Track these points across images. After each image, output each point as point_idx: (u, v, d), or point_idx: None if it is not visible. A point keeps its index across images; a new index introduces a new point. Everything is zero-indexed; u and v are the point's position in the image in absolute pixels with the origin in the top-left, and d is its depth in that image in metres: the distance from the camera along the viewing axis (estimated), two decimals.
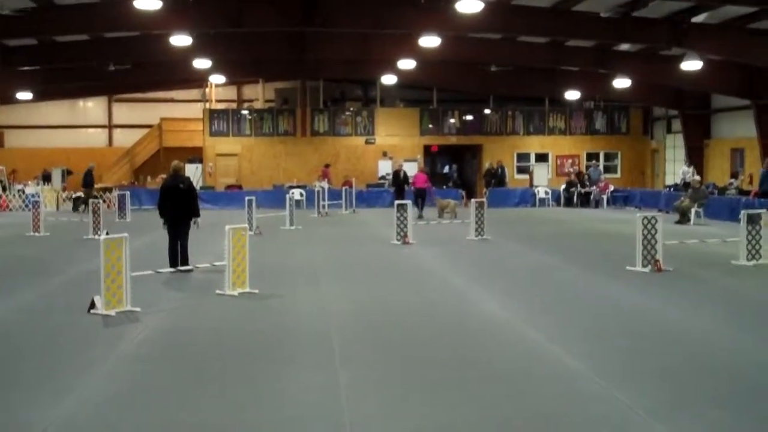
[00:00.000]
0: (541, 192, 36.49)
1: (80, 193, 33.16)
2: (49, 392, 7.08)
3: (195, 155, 39.73)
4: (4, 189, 35.88)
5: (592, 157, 40.84)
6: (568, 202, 35.82)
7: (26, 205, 31.07)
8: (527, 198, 36.50)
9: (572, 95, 37.82)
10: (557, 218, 28.73)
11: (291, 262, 16.36)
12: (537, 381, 7.45)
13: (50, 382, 7.40)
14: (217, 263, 13.06)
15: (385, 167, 39.12)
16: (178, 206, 14.46)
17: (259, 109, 41.36)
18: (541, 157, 41.04)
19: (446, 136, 41.10)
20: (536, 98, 41.17)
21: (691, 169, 32.85)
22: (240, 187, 37.24)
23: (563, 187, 36.58)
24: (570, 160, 40.05)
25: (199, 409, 6.67)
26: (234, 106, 43.66)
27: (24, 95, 38.84)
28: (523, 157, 41.16)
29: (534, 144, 41.25)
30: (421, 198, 28.59)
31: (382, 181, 38.00)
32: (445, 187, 38.31)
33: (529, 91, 39.64)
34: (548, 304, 11.28)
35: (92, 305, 10.52)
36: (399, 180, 30.09)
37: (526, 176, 39.72)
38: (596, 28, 25.99)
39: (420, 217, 26.90)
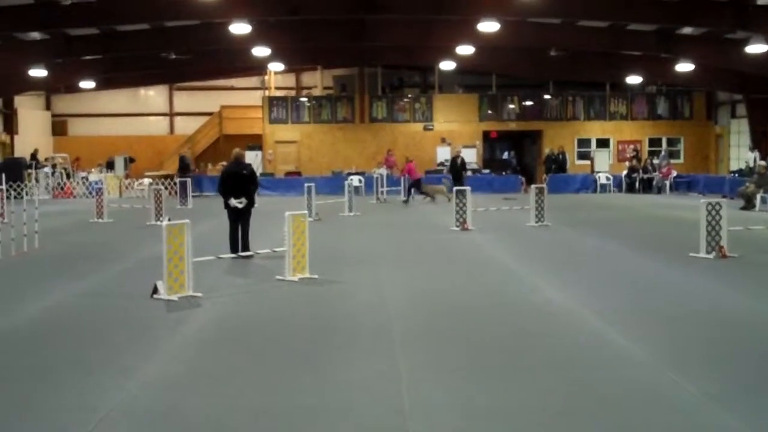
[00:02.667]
0: (602, 178, 36.10)
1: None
2: (113, 375, 7.17)
3: (255, 142, 40.00)
4: (68, 176, 36.54)
5: (654, 142, 40.30)
6: (630, 188, 35.42)
7: (90, 192, 31.59)
8: (588, 184, 36.15)
9: (634, 80, 37.32)
10: (619, 204, 28.39)
11: (350, 247, 16.38)
12: (597, 367, 7.35)
13: (114, 366, 7.50)
14: (277, 249, 13.12)
15: (443, 153, 38.99)
16: (240, 192, 14.52)
17: (318, 96, 41.50)
18: (603, 143, 40.57)
19: (505, 121, 40.82)
20: (597, 83, 40.70)
21: (755, 154, 32.25)
22: (299, 173, 37.43)
23: (625, 172, 36.16)
24: (631, 146, 39.48)
25: (259, 393, 6.70)
26: (293, 93, 43.85)
27: (87, 84, 39.49)
28: (584, 142, 40.72)
29: (595, 129, 40.77)
30: (415, 187, 29.94)
31: (440, 168, 37.89)
32: (504, 173, 38.07)
33: (589, 75, 39.19)
34: (609, 291, 11.13)
35: (155, 290, 10.64)
36: (457, 167, 30.02)
37: (587, 162, 39.33)
38: (658, 11, 25.61)
39: (406, 202, 29.37)
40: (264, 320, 9.59)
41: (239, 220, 14.54)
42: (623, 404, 6.34)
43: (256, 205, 14.99)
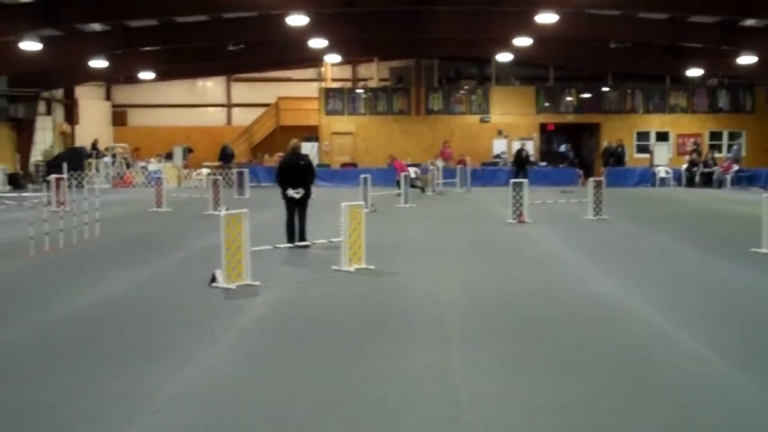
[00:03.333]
0: (661, 171, 35.64)
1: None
2: (172, 362, 7.28)
3: (311, 134, 40.16)
4: (127, 166, 37.08)
5: (715, 136, 39.68)
6: (690, 182, 34.91)
7: (149, 182, 32.01)
8: (647, 178, 35.72)
9: (694, 72, 36.73)
10: (678, 198, 28.03)
11: (406, 239, 16.39)
12: (656, 365, 7.24)
13: (173, 352, 7.60)
14: (333, 239, 13.18)
15: (500, 146, 38.81)
16: (297, 182, 14.58)
17: (374, 87, 41.52)
18: (662, 136, 40.01)
19: (563, 114, 40.45)
20: (656, 76, 40.13)
21: None
22: (355, 165, 37.51)
23: (685, 166, 35.65)
24: (692, 139, 38.89)
25: (317, 382, 6.73)
26: (349, 85, 43.95)
27: (146, 75, 39.99)
28: (642, 135, 40.17)
29: (654, 122, 40.22)
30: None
31: (496, 160, 37.72)
32: (561, 166, 37.76)
33: (649, 68, 38.68)
34: (668, 286, 10.98)
35: (213, 279, 10.76)
36: (521, 159, 29.96)
37: (646, 155, 38.83)
38: (720, 3, 25.16)
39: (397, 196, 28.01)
40: (321, 310, 9.63)
41: (296, 210, 14.63)
42: (683, 401, 6.26)
43: (312, 196, 15.05)
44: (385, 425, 5.76)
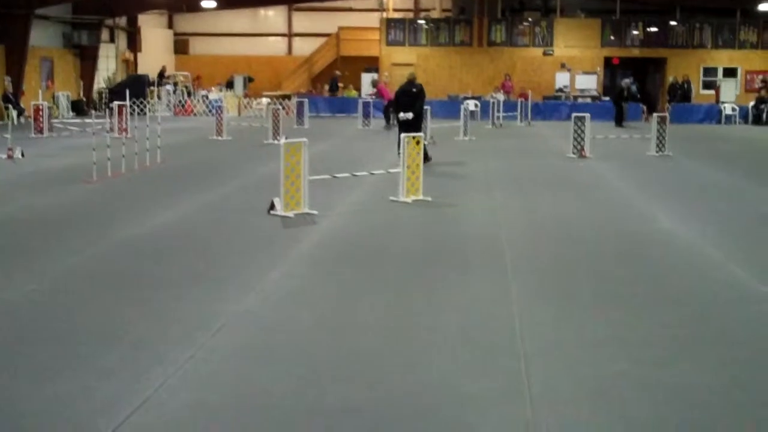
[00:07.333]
0: (727, 108, 34.78)
1: None
2: (232, 287, 7.36)
3: (371, 65, 39.90)
4: (189, 94, 37.26)
5: None
6: (757, 120, 34.04)
7: (210, 111, 32.16)
8: (713, 114, 34.87)
9: (767, 7, 35.56)
10: (745, 136, 27.41)
11: (464, 172, 16.31)
12: (720, 303, 7.13)
13: (234, 278, 7.69)
14: (392, 170, 13.15)
15: (562, 79, 38.19)
16: (408, 107, 16.31)
17: (436, 18, 40.98)
18: (730, 72, 38.97)
19: (629, 48, 39.55)
20: (727, 10, 38.92)
21: None
22: None
23: (752, 103, 34.76)
24: (760, 76, 37.83)
25: (374, 311, 6.76)
26: (411, 15, 43.43)
27: (208, 3, 39.85)
28: (709, 71, 39.17)
29: (722, 58, 39.15)
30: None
31: (559, 94, 37.16)
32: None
33: (719, 2, 37.53)
34: (732, 226, 10.78)
35: (272, 206, 10.84)
36: (623, 97, 29.68)
37: (713, 92, 37.92)
38: None
39: (388, 126, 28.13)
40: (377, 240, 9.66)
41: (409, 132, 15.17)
42: (742, 339, 6.17)
43: (408, 115, 16.25)
44: (442, 354, 5.77)
